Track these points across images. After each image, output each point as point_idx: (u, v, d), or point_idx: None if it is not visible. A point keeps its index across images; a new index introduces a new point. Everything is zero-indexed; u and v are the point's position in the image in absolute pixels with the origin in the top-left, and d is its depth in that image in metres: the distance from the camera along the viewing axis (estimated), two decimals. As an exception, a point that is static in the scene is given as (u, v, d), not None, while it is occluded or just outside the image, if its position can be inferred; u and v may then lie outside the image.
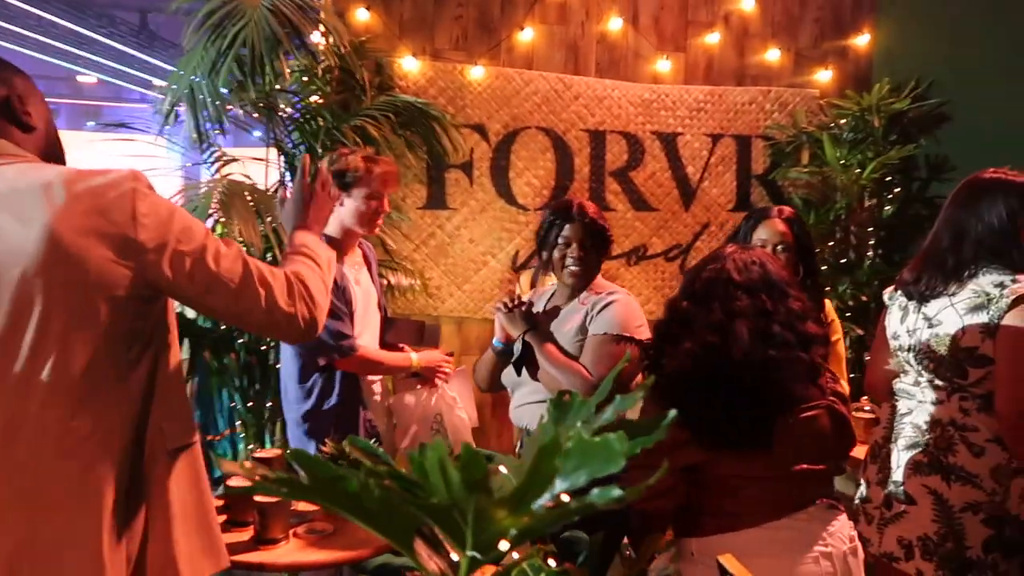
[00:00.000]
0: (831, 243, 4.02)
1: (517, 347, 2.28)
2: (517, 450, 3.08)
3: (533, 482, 0.62)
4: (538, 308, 2.32)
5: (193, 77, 2.69)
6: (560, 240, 2.19)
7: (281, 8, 2.66)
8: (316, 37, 3.22)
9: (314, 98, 3.42)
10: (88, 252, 1.20)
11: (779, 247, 2.30)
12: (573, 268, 2.19)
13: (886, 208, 3.93)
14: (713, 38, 4.07)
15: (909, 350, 1.97)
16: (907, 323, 1.99)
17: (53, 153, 1.36)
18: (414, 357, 2.52)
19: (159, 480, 1.32)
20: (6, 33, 11.58)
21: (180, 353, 1.42)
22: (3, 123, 1.30)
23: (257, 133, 3.34)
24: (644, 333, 2.14)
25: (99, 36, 12.26)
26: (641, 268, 4.01)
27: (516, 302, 2.24)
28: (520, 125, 3.85)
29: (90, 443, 1.24)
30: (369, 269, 2.55)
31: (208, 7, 2.64)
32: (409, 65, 3.71)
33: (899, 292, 2.06)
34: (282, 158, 3.25)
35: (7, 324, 1.20)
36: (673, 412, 0.69)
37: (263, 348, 3.12)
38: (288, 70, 2.83)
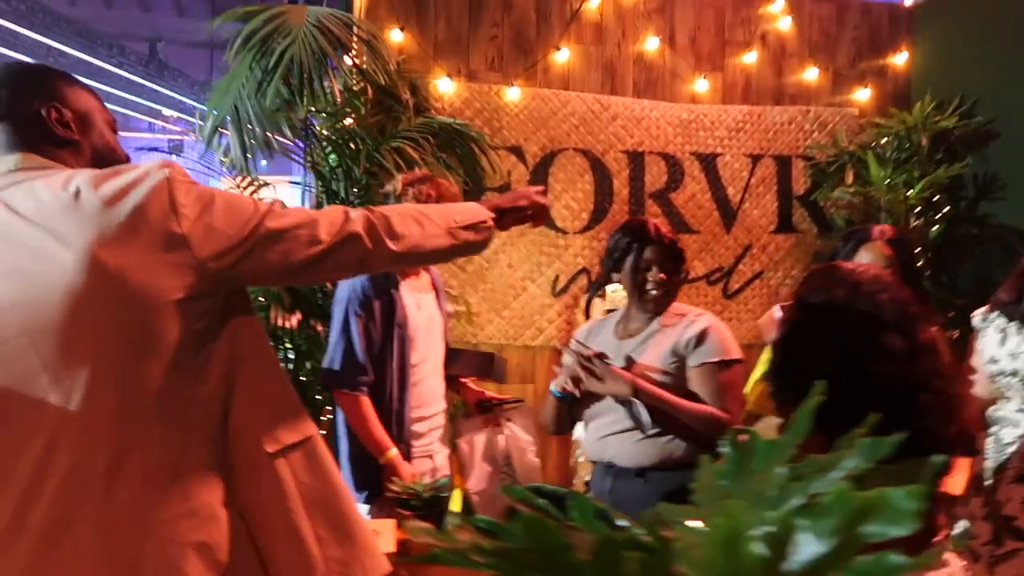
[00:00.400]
0: (875, 265, 3.91)
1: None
2: (586, 485, 2.94)
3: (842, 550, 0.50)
4: (601, 339, 2.19)
5: (236, 97, 2.59)
6: (641, 264, 2.08)
7: (327, 25, 2.57)
8: (348, 60, 3.14)
9: (347, 121, 3.33)
10: (134, 262, 1.06)
11: None
12: (655, 292, 2.08)
13: (933, 228, 3.83)
14: (750, 57, 4.00)
15: (1014, 375, 1.86)
16: (1009, 346, 1.88)
17: (108, 163, 1.22)
18: (392, 453, 2.24)
19: (270, 491, 1.16)
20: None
21: (264, 336, 1.26)
22: (35, 138, 1.17)
23: (290, 156, 3.24)
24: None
25: (109, 66, 12.25)
26: (683, 292, 3.88)
27: (592, 357, 2.08)
28: (558, 147, 3.76)
29: (175, 471, 1.11)
30: (437, 295, 2.44)
31: (252, 25, 2.55)
32: (444, 86, 3.62)
33: (995, 314, 1.95)
34: (319, 183, 3.14)
35: (60, 358, 1.06)
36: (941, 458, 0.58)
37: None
38: (339, 88, 2.73)
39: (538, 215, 1.48)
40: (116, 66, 12.25)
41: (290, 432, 1.21)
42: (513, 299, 3.72)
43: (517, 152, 3.72)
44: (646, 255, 2.07)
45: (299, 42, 2.47)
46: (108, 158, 1.23)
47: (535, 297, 3.74)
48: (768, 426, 1.83)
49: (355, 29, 2.69)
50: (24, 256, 1.07)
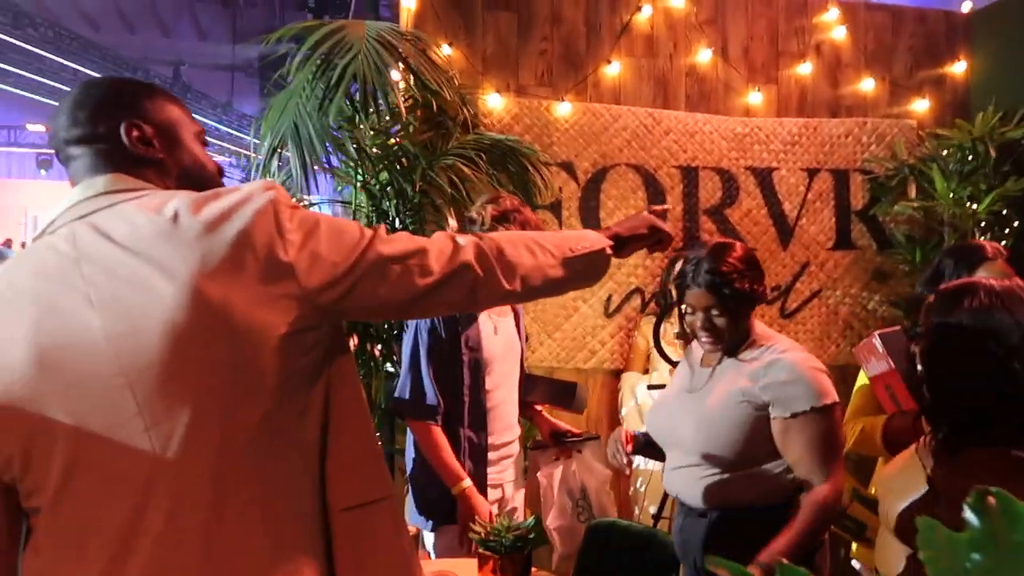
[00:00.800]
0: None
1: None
2: (653, 518, 2.79)
3: None
4: (692, 358, 2.04)
5: (296, 115, 2.49)
6: (684, 310, 1.86)
7: (389, 40, 2.47)
8: (395, 75, 3.04)
9: (393, 139, 3.23)
10: (238, 294, 0.94)
11: None
12: (706, 340, 1.85)
13: (1002, 243, 3.67)
14: (805, 68, 3.87)
15: None
16: None
17: (196, 181, 1.10)
18: (465, 484, 2.12)
19: (343, 549, 1.03)
20: (41, 87, 11.65)
21: (356, 377, 1.13)
22: (119, 158, 1.06)
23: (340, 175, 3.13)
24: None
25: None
26: (739, 311, 3.75)
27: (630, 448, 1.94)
28: (609, 163, 3.64)
29: (275, 524, 0.99)
30: (516, 319, 2.32)
31: (312, 39, 2.45)
32: (493, 102, 3.52)
33: None
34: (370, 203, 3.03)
35: (158, 400, 0.94)
36: None
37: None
38: (403, 105, 2.63)
39: (660, 242, 1.35)
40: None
41: (369, 488, 1.08)
42: (564, 320, 3.59)
43: (568, 168, 3.60)
44: (689, 299, 1.82)
45: (361, 57, 2.36)
46: (197, 176, 1.11)
47: (587, 318, 3.61)
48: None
49: (416, 43, 2.59)
50: (120, 286, 0.95)
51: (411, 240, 1.07)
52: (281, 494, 0.99)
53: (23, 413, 0.94)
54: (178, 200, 0.98)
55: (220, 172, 1.16)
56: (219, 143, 13.82)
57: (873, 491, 1.89)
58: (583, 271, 1.21)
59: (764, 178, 3.80)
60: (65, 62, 10.83)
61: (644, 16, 3.72)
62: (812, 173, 3.85)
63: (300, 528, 0.99)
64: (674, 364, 2.77)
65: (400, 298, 1.05)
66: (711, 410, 1.85)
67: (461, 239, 1.10)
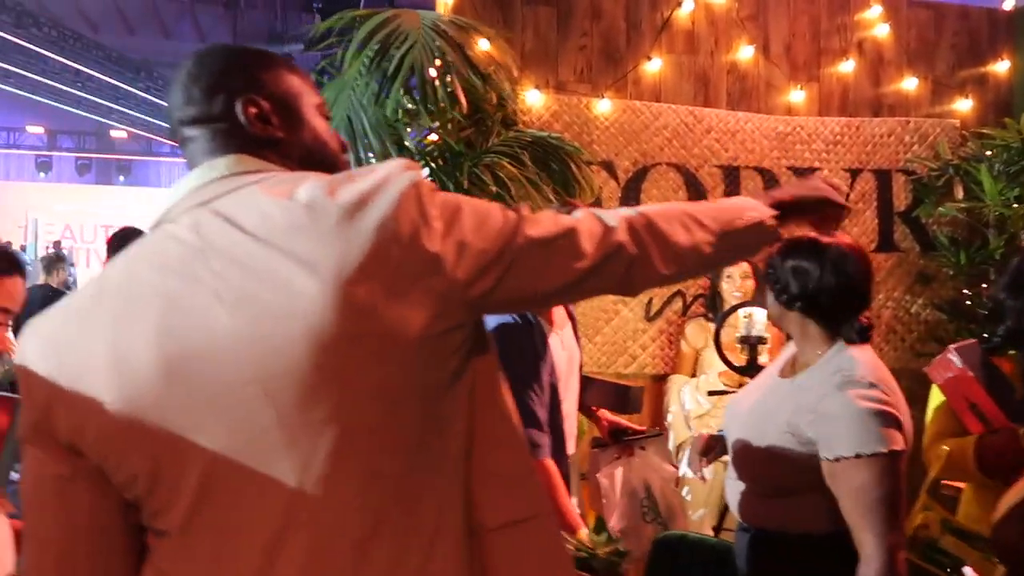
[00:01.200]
0: (984, 285, 3.67)
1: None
2: (718, 530, 2.68)
3: None
4: (777, 366, 1.91)
5: (350, 108, 2.37)
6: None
7: (445, 30, 2.37)
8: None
9: (432, 136, 3.12)
10: (385, 290, 0.82)
11: None
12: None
13: (1051, 245, 3.58)
14: (847, 66, 3.78)
15: None
16: None
17: (318, 160, 0.98)
18: (584, 533, 1.87)
19: (498, 572, 0.90)
20: (43, 88, 11.51)
21: (499, 376, 0.99)
22: (239, 138, 0.93)
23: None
24: (900, 405, 1.55)
25: (135, 90, 12.19)
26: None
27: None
28: (650, 161, 3.54)
29: (427, 549, 0.86)
30: (574, 327, 2.20)
31: (366, 29, 2.34)
32: (532, 98, 3.42)
33: None
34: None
35: (299, 412, 0.81)
36: None
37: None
38: (463, 96, 2.51)
39: (831, 216, 1.17)
40: (143, 90, 12.19)
41: (521, 504, 0.94)
42: (605, 324, 3.48)
43: (608, 167, 3.50)
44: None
45: (419, 47, 2.25)
46: (319, 155, 0.98)
47: (628, 322, 3.50)
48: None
49: (470, 33, 2.48)
50: (254, 282, 0.82)
51: (557, 220, 0.94)
52: (430, 516, 0.87)
53: (151, 427, 0.82)
54: (310, 184, 0.85)
55: (344, 148, 1.03)
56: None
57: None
58: (741, 246, 1.07)
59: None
60: (68, 62, 10.69)
61: (685, 11, 3.62)
62: (854, 173, 3.76)
63: (452, 551, 0.87)
64: (737, 370, 2.67)
65: (553, 286, 0.92)
66: (754, 430, 1.70)
67: (607, 215, 0.97)
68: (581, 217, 0.97)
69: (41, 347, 0.87)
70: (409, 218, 0.83)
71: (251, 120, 0.94)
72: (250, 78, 0.96)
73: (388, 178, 0.85)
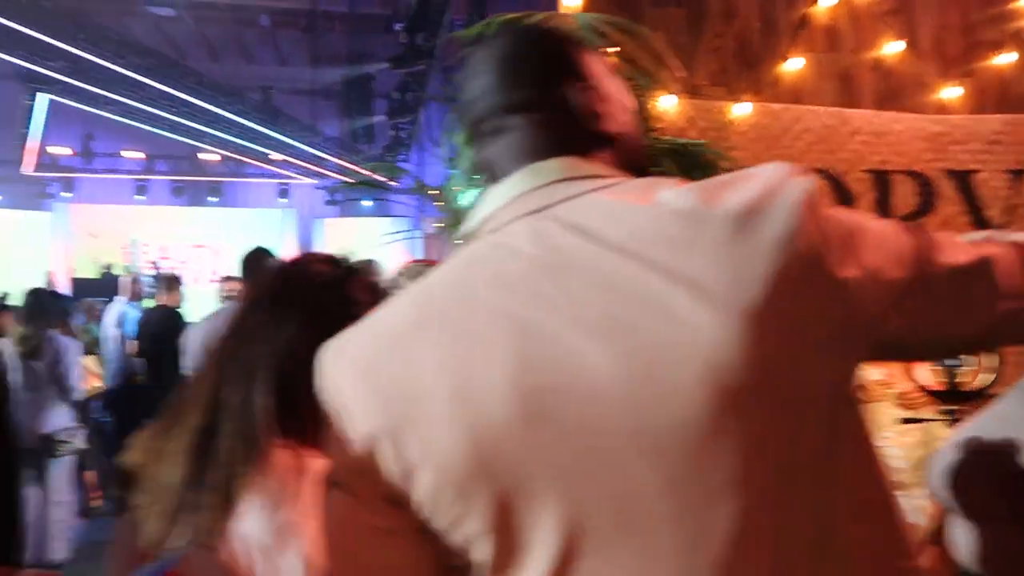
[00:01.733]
0: None
1: None
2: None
3: None
4: None
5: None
6: None
7: (606, 32, 2.22)
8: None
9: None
10: (791, 326, 0.65)
11: None
12: None
13: None
14: (1004, 59, 3.48)
15: None
16: None
17: (634, 160, 0.82)
18: None
19: None
20: (139, 113, 11.93)
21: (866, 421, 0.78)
22: (564, 131, 0.77)
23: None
24: None
25: (227, 113, 12.52)
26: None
27: None
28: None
29: None
30: None
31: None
32: (666, 103, 3.24)
33: None
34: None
35: (689, 479, 0.64)
36: None
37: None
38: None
39: None
40: (235, 113, 12.53)
41: (901, 554, 0.73)
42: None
43: (747, 175, 3.29)
44: None
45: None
46: (637, 157, 0.82)
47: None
48: None
49: (631, 34, 2.33)
50: (623, 306, 0.66)
51: (964, 247, 0.75)
52: None
53: (503, 473, 0.66)
54: (674, 190, 0.69)
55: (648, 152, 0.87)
56: (306, 166, 13.94)
57: None
58: None
59: (963, 182, 3.41)
60: (165, 88, 11.06)
61: (823, 7, 3.39)
62: (1017, 175, 3.44)
63: None
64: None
65: (972, 328, 0.74)
66: None
67: (993, 244, 0.78)
68: (979, 242, 0.76)
69: (360, 377, 0.72)
70: (808, 236, 0.66)
71: (587, 113, 0.78)
72: (575, 61, 0.80)
73: (778, 185, 0.67)
